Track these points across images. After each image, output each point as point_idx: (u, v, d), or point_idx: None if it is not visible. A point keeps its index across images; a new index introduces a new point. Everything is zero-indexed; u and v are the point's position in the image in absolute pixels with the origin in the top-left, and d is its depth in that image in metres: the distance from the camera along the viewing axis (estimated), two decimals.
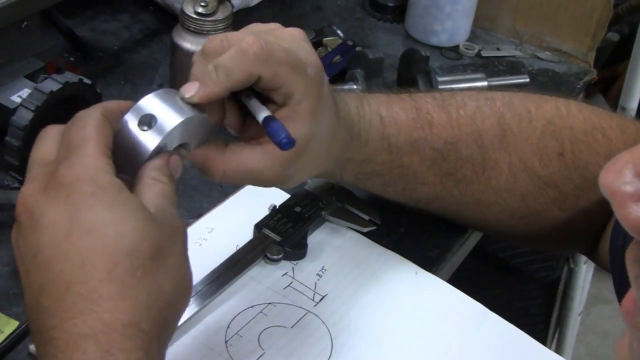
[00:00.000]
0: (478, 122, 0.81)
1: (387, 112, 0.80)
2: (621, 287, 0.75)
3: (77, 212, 0.56)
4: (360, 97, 0.80)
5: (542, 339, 1.66)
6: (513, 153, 0.81)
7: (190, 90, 0.65)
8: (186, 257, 0.61)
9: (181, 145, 0.65)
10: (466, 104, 0.82)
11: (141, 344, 0.55)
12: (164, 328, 0.58)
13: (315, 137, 0.71)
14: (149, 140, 0.61)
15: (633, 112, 1.43)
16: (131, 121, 0.62)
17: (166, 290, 0.58)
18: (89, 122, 0.60)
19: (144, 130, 0.62)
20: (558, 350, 1.70)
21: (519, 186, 0.82)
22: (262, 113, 0.67)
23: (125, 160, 0.61)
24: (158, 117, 0.62)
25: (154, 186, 0.61)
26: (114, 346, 0.54)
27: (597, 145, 0.81)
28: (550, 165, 0.81)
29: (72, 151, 0.58)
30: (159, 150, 0.62)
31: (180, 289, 0.60)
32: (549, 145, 0.81)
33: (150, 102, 0.63)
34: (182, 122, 0.63)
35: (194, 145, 0.67)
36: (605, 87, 2.23)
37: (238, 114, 0.71)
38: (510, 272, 1.58)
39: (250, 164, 0.69)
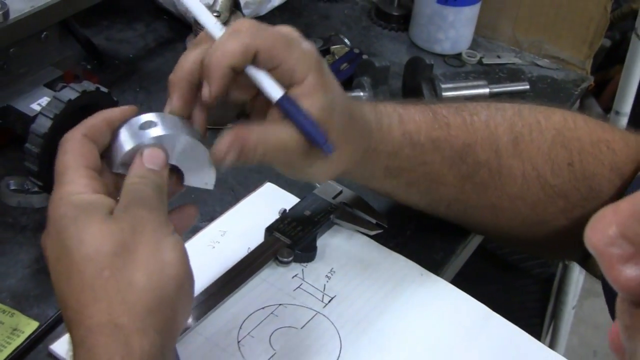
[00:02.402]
0: (492, 128, 0.79)
1: (404, 112, 0.77)
2: (610, 296, 0.73)
3: (58, 236, 0.59)
4: (371, 103, 0.78)
5: (538, 332, 1.65)
6: (526, 160, 0.79)
7: (204, 93, 0.64)
8: (161, 244, 0.59)
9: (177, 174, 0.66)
10: (478, 112, 0.80)
11: (119, 338, 0.55)
12: (149, 318, 0.57)
13: (333, 108, 0.68)
14: (150, 134, 0.63)
15: (626, 117, 1.41)
16: (133, 122, 0.64)
17: (139, 281, 0.57)
18: (69, 147, 0.62)
19: (142, 129, 0.63)
20: (552, 341, 1.69)
21: (531, 194, 0.80)
22: (277, 92, 0.65)
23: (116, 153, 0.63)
24: (159, 123, 0.64)
25: (129, 188, 0.62)
26: (95, 345, 0.55)
27: (603, 157, 0.79)
28: (561, 175, 0.79)
29: (57, 181, 0.62)
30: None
31: (160, 275, 0.58)
32: (559, 155, 0.79)
33: (152, 115, 0.65)
34: (181, 134, 0.64)
35: (188, 175, 0.67)
36: (597, 91, 2.21)
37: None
38: (508, 269, 1.57)
39: (281, 137, 0.66)
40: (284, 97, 0.65)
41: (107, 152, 0.64)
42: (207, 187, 0.68)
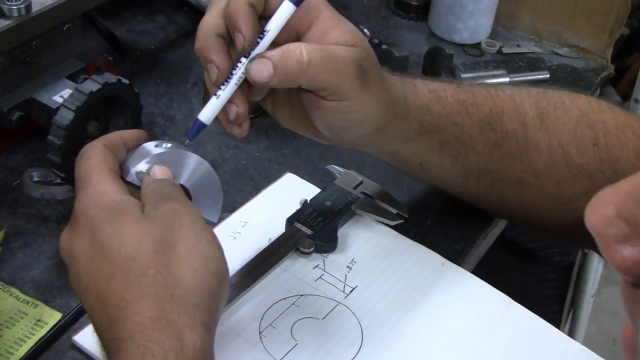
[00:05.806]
0: (517, 102, 0.78)
1: (422, 79, 0.76)
2: None
3: (92, 237, 0.59)
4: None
5: (557, 320, 1.63)
6: (552, 137, 0.77)
7: (239, 41, 0.63)
8: (200, 238, 0.59)
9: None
10: (502, 88, 0.79)
11: (173, 333, 0.55)
12: (197, 314, 0.57)
13: (360, 36, 0.67)
14: (164, 146, 0.67)
15: None
16: (149, 142, 0.68)
17: (185, 278, 0.57)
18: (92, 153, 0.63)
19: (157, 147, 0.67)
20: (572, 329, 1.67)
21: (556, 171, 0.78)
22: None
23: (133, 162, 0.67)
24: (171, 144, 0.68)
25: (151, 188, 0.63)
26: (149, 340, 0.55)
27: (628, 141, 0.78)
28: (586, 154, 0.77)
29: (81, 184, 0.62)
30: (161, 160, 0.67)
31: (204, 271, 0.58)
32: (584, 135, 0.78)
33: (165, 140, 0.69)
34: (190, 153, 0.68)
35: (195, 200, 0.69)
36: (615, 79, 2.17)
37: None
38: (527, 257, 1.56)
39: (334, 50, 0.64)
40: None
41: (121, 166, 0.66)
42: (212, 219, 0.70)
